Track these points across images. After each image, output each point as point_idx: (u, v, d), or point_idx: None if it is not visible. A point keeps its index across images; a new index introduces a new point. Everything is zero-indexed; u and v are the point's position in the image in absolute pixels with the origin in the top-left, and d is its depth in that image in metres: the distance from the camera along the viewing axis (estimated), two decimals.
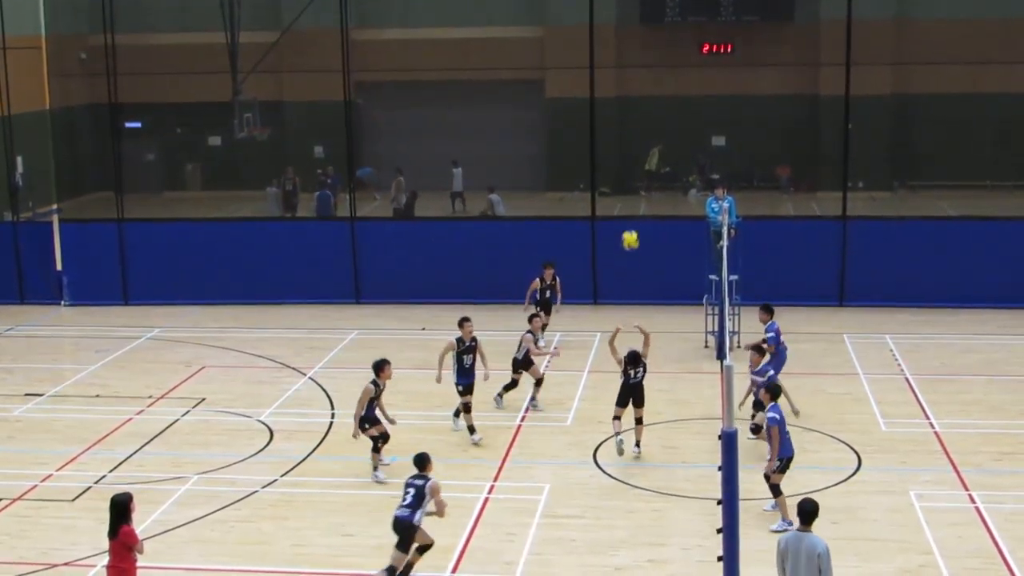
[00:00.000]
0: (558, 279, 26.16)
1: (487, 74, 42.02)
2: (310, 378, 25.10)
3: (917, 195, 42.49)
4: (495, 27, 44.17)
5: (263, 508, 18.44)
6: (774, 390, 17.80)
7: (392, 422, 19.70)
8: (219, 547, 17.11)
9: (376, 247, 31.44)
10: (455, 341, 21.09)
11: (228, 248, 31.61)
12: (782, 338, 22.09)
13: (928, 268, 29.90)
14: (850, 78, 30.44)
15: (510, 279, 30.58)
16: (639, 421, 20.09)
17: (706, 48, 43.88)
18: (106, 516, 13.91)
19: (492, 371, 21.53)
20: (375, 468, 19.55)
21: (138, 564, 13.97)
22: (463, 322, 21.23)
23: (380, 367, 19.50)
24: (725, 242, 23.41)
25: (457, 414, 21.48)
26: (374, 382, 19.37)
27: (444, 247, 31.37)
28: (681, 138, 44.42)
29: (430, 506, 15.39)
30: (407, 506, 15.36)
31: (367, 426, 19.42)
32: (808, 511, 13.14)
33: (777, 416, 17.28)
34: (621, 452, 19.72)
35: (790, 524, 16.33)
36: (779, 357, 21.77)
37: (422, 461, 15.71)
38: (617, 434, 19.74)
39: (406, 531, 15.38)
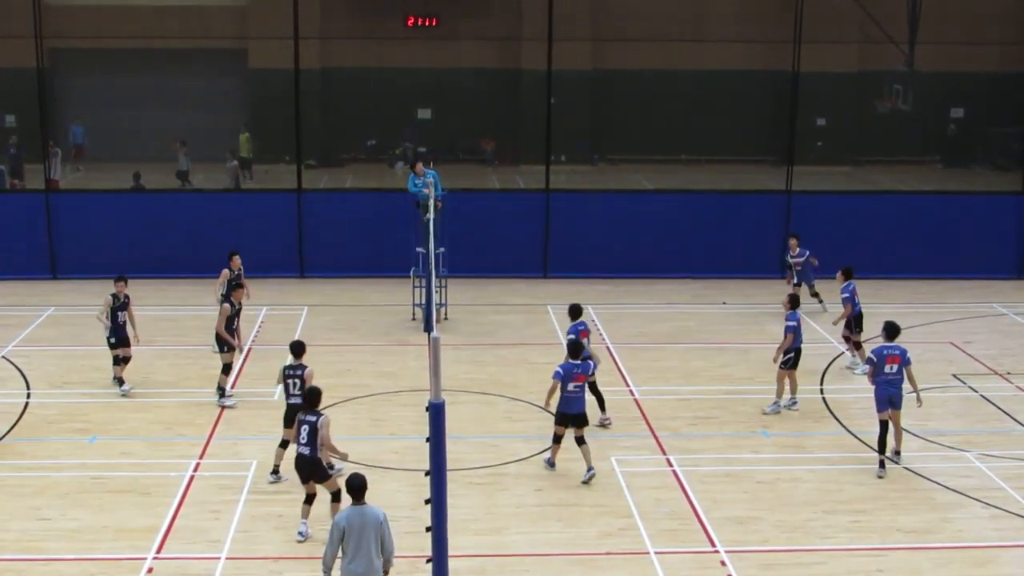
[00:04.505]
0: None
1: (189, 43, 40.85)
2: (3, 357, 24.01)
3: (616, 168, 43.65)
4: None
5: None
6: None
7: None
8: None
9: (74, 220, 30.30)
10: (111, 297, 21.81)
11: None
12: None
13: (627, 240, 30.90)
14: (552, 53, 31.07)
15: (214, 252, 30.01)
16: None
17: (411, 21, 43.89)
18: None
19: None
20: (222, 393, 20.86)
21: None
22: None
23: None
24: (432, 215, 23.54)
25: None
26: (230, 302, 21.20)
27: (144, 220, 30.48)
28: (387, 111, 44.34)
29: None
30: (296, 394, 17.70)
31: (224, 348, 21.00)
32: (356, 486, 13.10)
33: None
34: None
35: None
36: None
37: (297, 348, 18.06)
38: None
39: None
